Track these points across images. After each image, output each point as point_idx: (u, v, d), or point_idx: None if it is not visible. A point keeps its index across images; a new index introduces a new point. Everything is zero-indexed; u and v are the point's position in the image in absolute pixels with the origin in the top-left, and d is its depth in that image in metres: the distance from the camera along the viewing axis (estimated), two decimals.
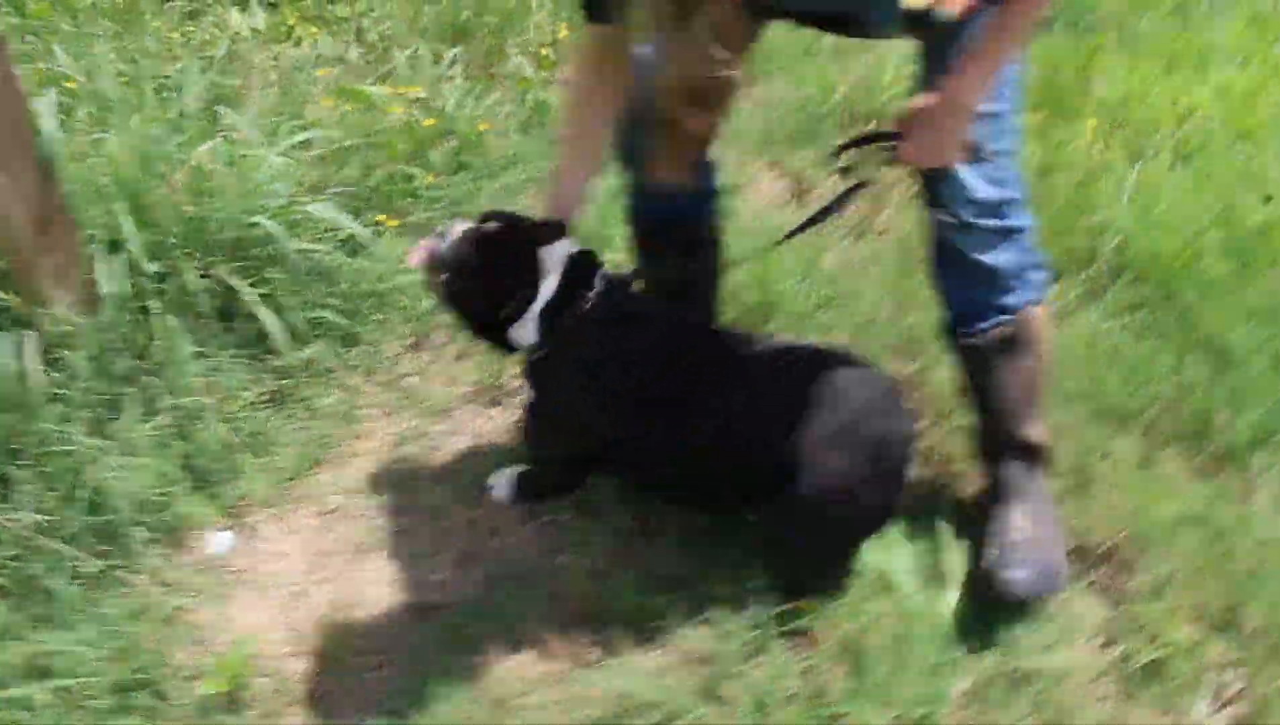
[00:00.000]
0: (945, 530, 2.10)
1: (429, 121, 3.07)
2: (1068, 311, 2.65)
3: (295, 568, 2.23)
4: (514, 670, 1.96)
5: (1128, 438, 2.32)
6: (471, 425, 2.48)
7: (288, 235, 2.42)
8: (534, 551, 2.19)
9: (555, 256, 1.91)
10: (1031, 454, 2.04)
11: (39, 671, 1.96)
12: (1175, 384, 2.41)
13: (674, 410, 1.89)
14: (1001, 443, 2.04)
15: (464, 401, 2.55)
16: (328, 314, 2.56)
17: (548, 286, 1.91)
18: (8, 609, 2.02)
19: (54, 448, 2.11)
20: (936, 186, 1.83)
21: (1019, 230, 1.87)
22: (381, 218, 2.87)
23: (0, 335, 2.13)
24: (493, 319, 1.92)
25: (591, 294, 1.90)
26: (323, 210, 2.57)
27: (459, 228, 1.92)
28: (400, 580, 2.16)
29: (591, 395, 1.92)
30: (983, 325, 1.93)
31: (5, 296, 2.19)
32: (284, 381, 2.45)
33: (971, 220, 1.81)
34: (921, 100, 1.67)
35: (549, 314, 1.91)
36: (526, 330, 1.93)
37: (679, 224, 2.18)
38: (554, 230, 1.92)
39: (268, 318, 2.37)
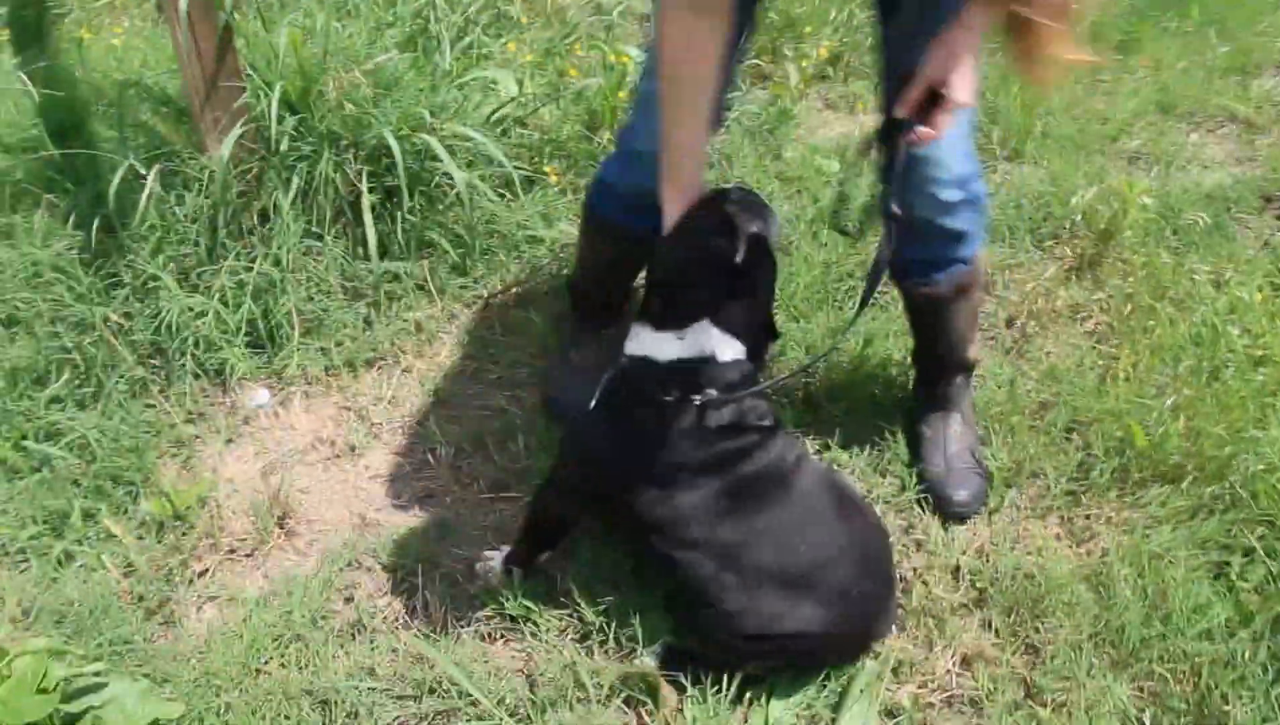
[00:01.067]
0: None
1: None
2: None
3: (299, 445, 2.36)
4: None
5: None
6: (522, 394, 2.48)
7: (426, 156, 2.55)
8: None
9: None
10: (969, 370, 2.31)
11: (56, 433, 2.26)
12: None
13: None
14: (947, 366, 2.27)
15: (526, 362, 2.55)
16: (441, 239, 2.66)
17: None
18: (65, 381, 2.33)
19: (143, 267, 2.41)
20: (915, 169, 1.85)
21: (980, 196, 2.02)
22: (549, 170, 2.93)
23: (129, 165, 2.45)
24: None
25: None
26: (482, 140, 2.65)
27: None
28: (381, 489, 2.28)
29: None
30: (940, 276, 2.09)
31: (170, 132, 2.51)
32: (371, 285, 2.58)
33: (946, 197, 1.94)
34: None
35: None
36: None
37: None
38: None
39: (370, 222, 2.50)
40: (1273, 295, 2.62)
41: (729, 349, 1.76)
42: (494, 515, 2.21)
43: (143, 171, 2.46)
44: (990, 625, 1.97)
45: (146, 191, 2.42)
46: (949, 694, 1.88)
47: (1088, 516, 2.16)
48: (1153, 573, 1.98)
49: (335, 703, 1.85)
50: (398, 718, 1.85)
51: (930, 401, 2.30)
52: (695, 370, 1.74)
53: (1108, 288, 2.71)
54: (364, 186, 2.55)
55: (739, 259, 1.66)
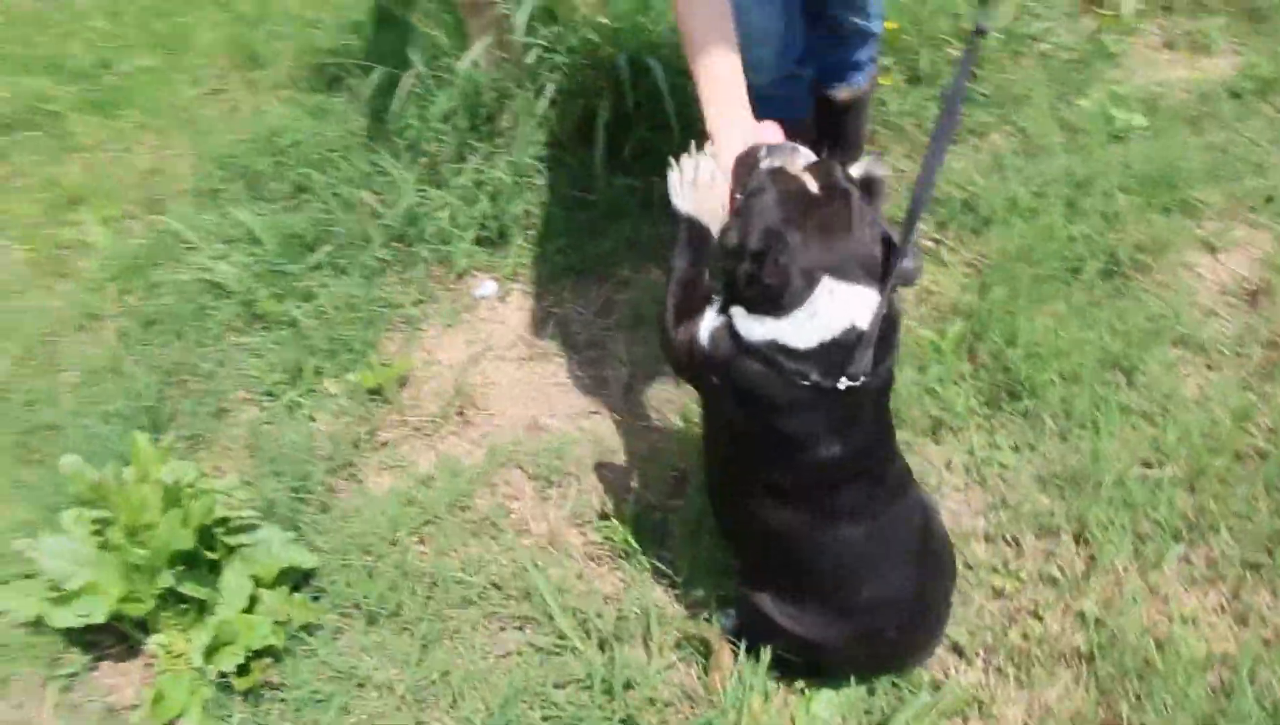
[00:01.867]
0: None
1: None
2: None
3: (505, 341, 2.57)
4: None
5: None
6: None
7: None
8: None
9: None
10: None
11: (309, 296, 2.63)
12: None
13: None
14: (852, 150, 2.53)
15: None
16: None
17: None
18: (326, 251, 2.69)
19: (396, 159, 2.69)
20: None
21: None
22: None
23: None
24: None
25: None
26: None
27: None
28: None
29: None
30: (860, 76, 2.51)
31: (445, 37, 2.73)
32: (597, 199, 2.68)
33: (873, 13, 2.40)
34: None
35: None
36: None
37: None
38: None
39: (602, 138, 2.58)
40: None
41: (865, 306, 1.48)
42: (645, 444, 2.30)
43: (422, 68, 2.71)
44: (1086, 686, 1.76)
45: (404, 91, 2.66)
46: None
47: (1267, 604, 1.83)
48: None
49: (444, 588, 2.07)
50: (491, 613, 2.04)
51: None
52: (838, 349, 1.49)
53: None
54: (602, 103, 2.62)
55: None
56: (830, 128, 2.48)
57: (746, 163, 1.60)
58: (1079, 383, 2.17)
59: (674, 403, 2.34)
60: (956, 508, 2.09)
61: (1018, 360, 2.21)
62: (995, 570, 1.98)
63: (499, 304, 2.66)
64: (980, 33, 1.47)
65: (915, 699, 1.77)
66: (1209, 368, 2.24)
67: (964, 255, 2.50)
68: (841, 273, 1.46)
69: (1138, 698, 1.72)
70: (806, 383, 1.49)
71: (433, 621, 2.03)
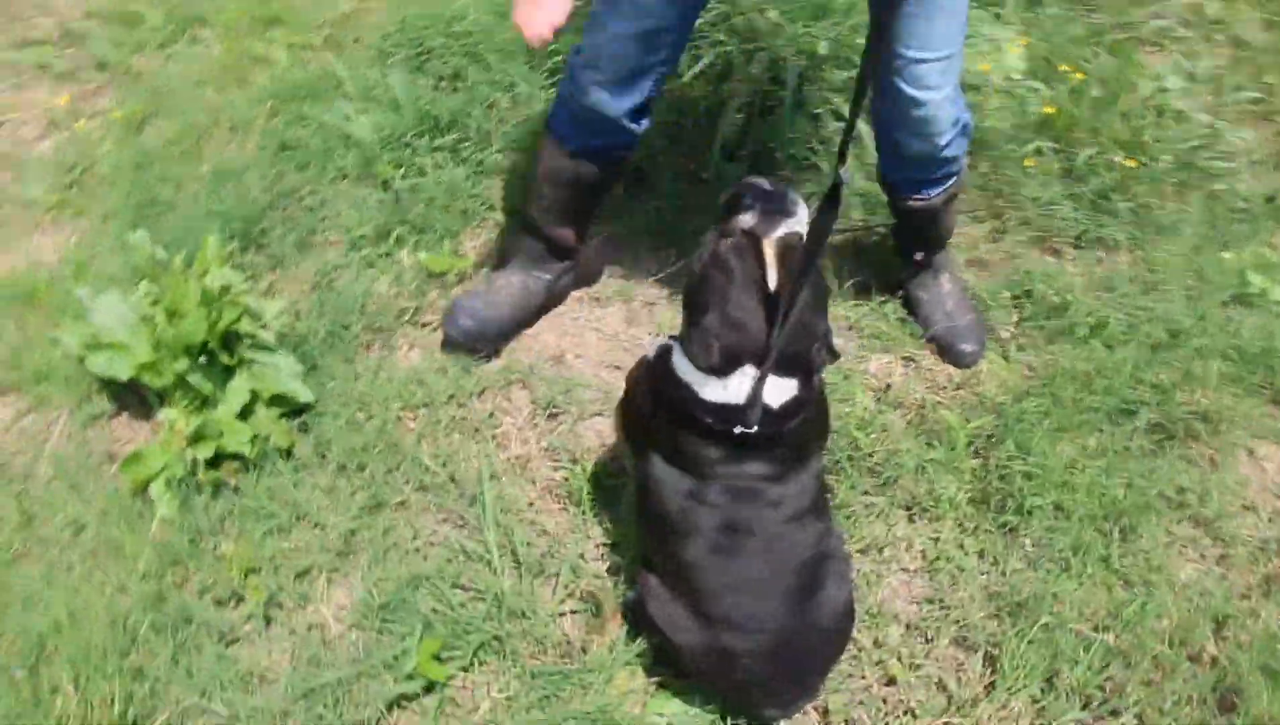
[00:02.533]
0: None
1: None
2: None
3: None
4: None
5: None
6: None
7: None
8: None
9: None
10: (947, 243, 2.49)
11: (420, 173, 2.81)
12: None
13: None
14: (933, 248, 2.44)
15: None
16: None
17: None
18: (452, 138, 2.85)
19: None
20: (911, 119, 2.10)
21: (968, 123, 2.21)
22: None
23: None
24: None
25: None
26: None
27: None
28: None
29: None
30: (934, 192, 2.28)
31: None
32: (709, 177, 2.75)
33: (942, 141, 2.15)
34: None
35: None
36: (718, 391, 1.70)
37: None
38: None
39: (726, 126, 2.63)
40: None
41: (780, 391, 1.64)
42: None
43: None
44: None
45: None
46: None
47: None
48: None
49: (409, 465, 2.22)
50: (439, 503, 2.18)
51: (923, 268, 2.47)
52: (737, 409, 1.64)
53: None
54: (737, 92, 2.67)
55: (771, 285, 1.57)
56: (900, 225, 2.46)
57: (732, 201, 1.66)
58: (1069, 520, 2.10)
59: None
60: (896, 587, 2.07)
61: (1019, 475, 2.15)
62: (899, 658, 1.96)
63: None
64: (840, 183, 1.55)
65: None
66: (1218, 561, 2.11)
67: (1029, 357, 2.42)
68: (762, 363, 1.59)
69: None
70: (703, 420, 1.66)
71: (387, 489, 2.19)
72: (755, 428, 1.62)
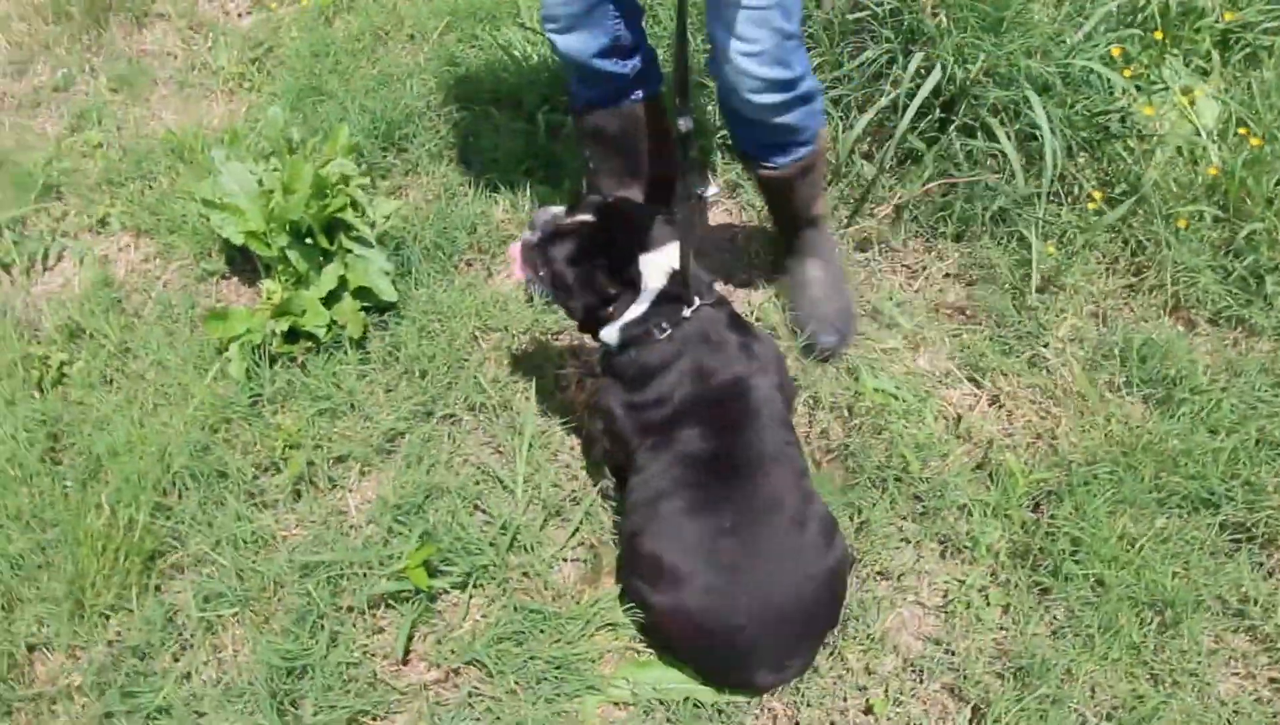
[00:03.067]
0: None
1: None
2: None
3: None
4: None
5: None
6: None
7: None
8: None
9: (655, 270, 1.86)
10: (817, 222, 2.44)
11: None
12: None
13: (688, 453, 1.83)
14: (797, 224, 2.43)
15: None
16: None
17: (637, 306, 1.87)
18: None
19: None
20: (721, 72, 2.07)
21: (810, 95, 2.16)
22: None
23: None
24: (592, 318, 1.93)
25: (669, 326, 1.86)
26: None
27: (550, 215, 1.93)
28: None
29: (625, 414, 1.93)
30: (784, 160, 2.25)
31: None
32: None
33: (766, 101, 2.07)
34: None
35: (631, 329, 1.89)
36: (611, 334, 1.92)
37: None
38: (661, 233, 1.87)
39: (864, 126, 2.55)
40: None
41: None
42: None
43: None
44: None
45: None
46: None
47: None
48: None
49: (466, 383, 2.29)
50: (486, 425, 2.24)
51: (790, 251, 2.47)
52: None
53: None
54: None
55: None
56: (763, 195, 2.47)
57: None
58: (1109, 593, 1.96)
59: None
60: (905, 618, 1.99)
61: (1067, 537, 2.02)
62: (884, 690, 1.89)
63: (708, 204, 2.73)
64: (699, 197, 1.71)
65: None
66: (1269, 684, 1.93)
67: (1118, 423, 2.26)
68: None
69: None
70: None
71: (440, 401, 2.26)
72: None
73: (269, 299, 2.36)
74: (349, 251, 2.36)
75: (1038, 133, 2.51)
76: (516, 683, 1.86)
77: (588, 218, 1.88)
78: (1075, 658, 1.90)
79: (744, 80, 2.03)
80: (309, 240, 2.34)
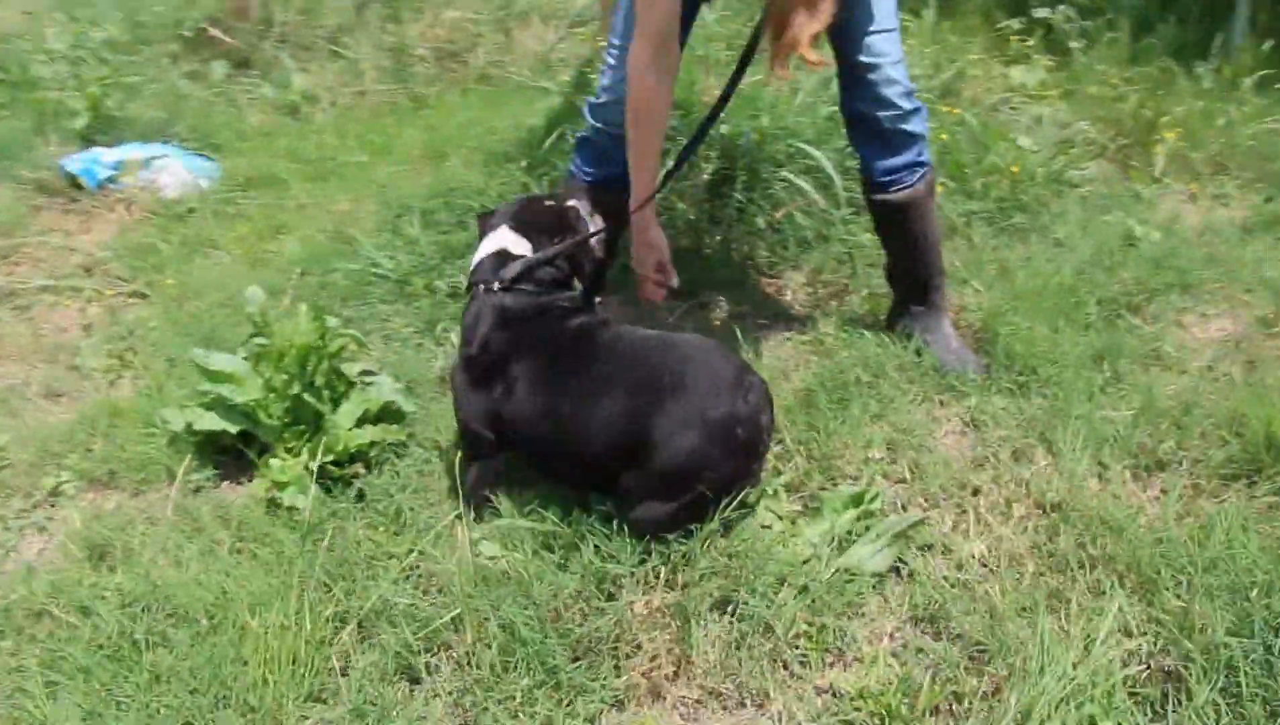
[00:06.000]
0: None
1: None
2: None
3: None
4: None
5: None
6: None
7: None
8: None
9: (493, 237, 2.43)
10: (945, 280, 2.84)
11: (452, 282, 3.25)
12: None
13: (543, 392, 2.23)
14: (935, 269, 2.77)
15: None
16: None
17: (474, 258, 2.44)
18: None
19: None
20: (870, 84, 2.53)
21: (922, 106, 2.63)
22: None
23: None
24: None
25: (497, 279, 2.33)
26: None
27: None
28: None
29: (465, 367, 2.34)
30: (912, 179, 2.64)
31: None
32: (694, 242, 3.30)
33: (903, 105, 2.56)
34: None
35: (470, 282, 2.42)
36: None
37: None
38: (500, 215, 2.49)
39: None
40: None
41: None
42: None
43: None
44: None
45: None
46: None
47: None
48: None
49: None
50: None
51: (926, 309, 2.79)
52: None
53: None
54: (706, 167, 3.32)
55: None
56: (893, 239, 2.80)
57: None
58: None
59: None
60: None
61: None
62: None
63: None
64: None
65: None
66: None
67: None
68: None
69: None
70: None
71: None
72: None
73: (287, 467, 2.44)
74: (359, 383, 2.55)
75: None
76: None
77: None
78: None
79: (888, 88, 2.53)
80: (315, 386, 2.50)
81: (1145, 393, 2.44)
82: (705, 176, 3.31)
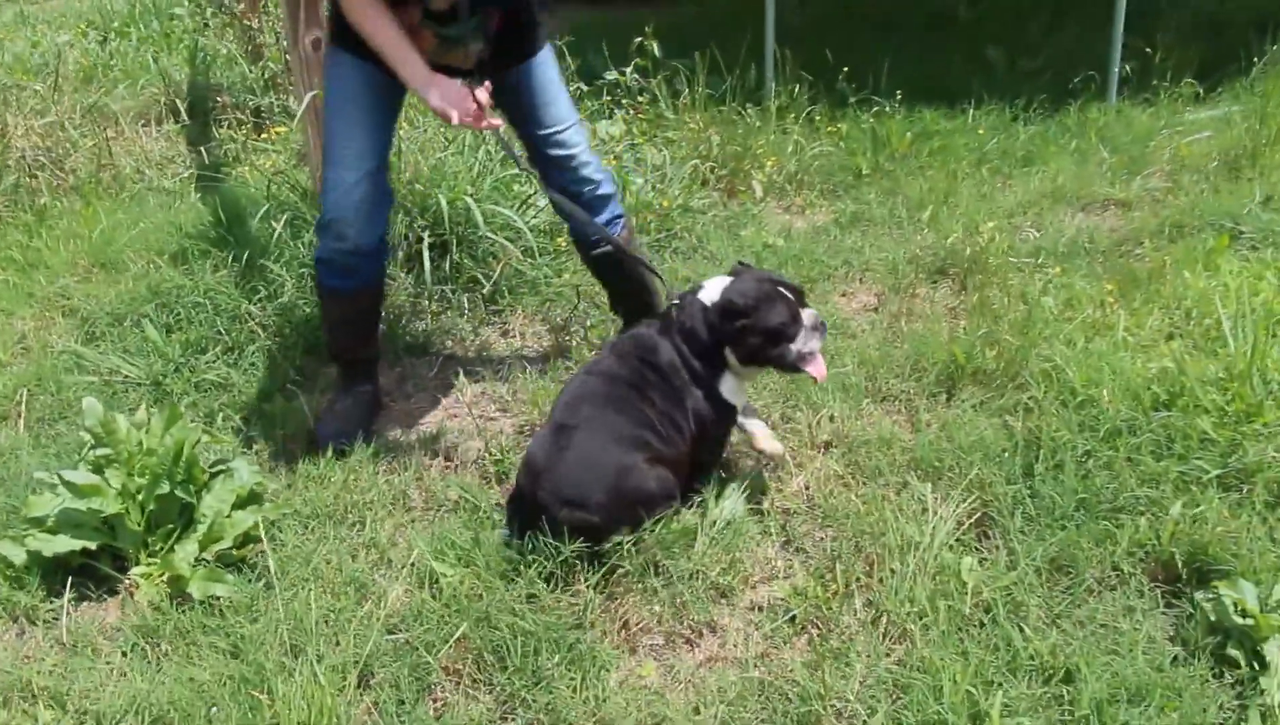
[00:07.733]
0: None
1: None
2: None
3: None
4: None
5: None
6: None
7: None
8: None
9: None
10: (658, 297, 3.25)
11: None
12: None
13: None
14: (649, 291, 3.27)
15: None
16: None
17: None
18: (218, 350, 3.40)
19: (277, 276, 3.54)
20: (571, 169, 3.09)
21: (609, 172, 3.27)
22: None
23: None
24: None
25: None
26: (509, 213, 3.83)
27: None
28: None
29: None
30: (615, 230, 3.20)
31: (302, 202, 3.71)
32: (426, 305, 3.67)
33: (598, 177, 3.16)
34: None
35: None
36: None
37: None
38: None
39: (428, 262, 3.61)
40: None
41: None
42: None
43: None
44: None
45: (275, 234, 3.62)
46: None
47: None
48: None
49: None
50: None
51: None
52: None
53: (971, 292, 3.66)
54: (425, 237, 3.70)
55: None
56: (615, 283, 3.36)
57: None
58: None
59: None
60: None
61: None
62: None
63: None
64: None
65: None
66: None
67: None
68: None
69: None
70: None
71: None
72: None
73: (154, 580, 2.47)
74: (219, 472, 2.63)
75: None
76: None
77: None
78: None
79: (586, 170, 3.08)
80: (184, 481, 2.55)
81: (843, 352, 3.31)
82: (425, 244, 3.70)
